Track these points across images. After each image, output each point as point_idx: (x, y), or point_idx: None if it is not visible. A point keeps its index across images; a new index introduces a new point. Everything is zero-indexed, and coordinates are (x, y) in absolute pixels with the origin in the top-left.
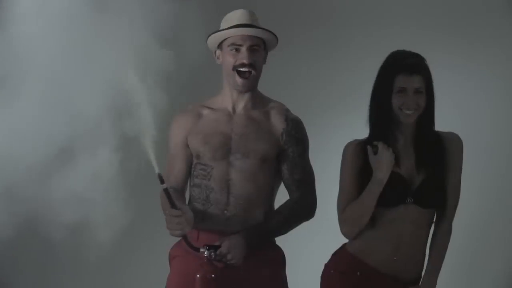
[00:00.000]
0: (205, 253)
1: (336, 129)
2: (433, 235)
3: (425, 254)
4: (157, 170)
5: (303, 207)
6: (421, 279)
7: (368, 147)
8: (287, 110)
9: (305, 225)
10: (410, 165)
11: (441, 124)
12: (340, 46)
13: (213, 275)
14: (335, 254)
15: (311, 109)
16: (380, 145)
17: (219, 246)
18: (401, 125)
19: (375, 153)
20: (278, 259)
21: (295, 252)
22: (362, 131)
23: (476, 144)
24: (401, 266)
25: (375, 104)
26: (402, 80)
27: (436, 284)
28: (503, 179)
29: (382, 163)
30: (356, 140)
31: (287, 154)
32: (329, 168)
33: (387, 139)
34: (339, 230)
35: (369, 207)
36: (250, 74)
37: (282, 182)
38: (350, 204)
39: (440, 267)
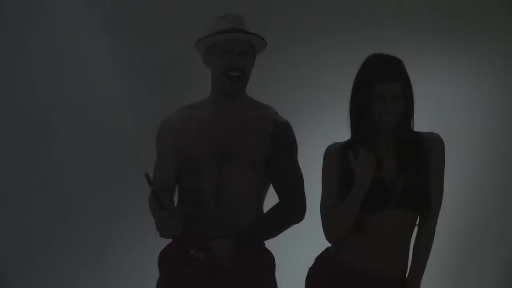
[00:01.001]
0: (195, 255)
1: (324, 132)
2: (416, 237)
3: (408, 256)
4: (145, 171)
5: (292, 210)
6: (406, 282)
7: (349, 151)
8: (276, 113)
9: (291, 228)
10: (391, 169)
11: (424, 125)
12: (328, 49)
13: (201, 275)
14: (318, 258)
15: (299, 112)
16: (361, 150)
17: (209, 249)
18: (380, 128)
19: (356, 157)
20: (268, 263)
21: (281, 255)
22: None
23: (458, 145)
24: (385, 268)
25: (355, 110)
26: (380, 88)
27: (419, 286)
28: (485, 179)
29: (364, 168)
30: (336, 143)
31: (276, 157)
32: (317, 171)
33: (368, 143)
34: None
35: (352, 213)
36: (239, 79)
37: (271, 185)
38: (333, 210)
39: (424, 269)
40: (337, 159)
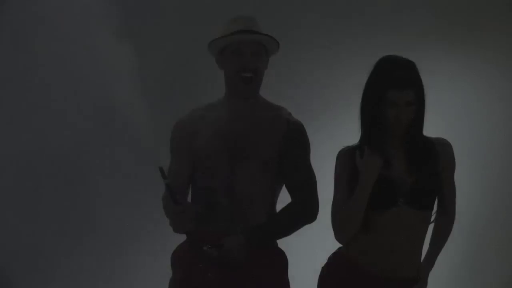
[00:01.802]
0: (208, 251)
1: (337, 133)
2: (434, 226)
3: (421, 255)
4: (159, 165)
5: (305, 210)
6: (423, 264)
7: (357, 151)
8: (289, 114)
9: (305, 227)
10: (401, 169)
11: (432, 128)
12: (339, 51)
13: (214, 277)
14: (330, 258)
15: (311, 112)
16: (367, 149)
17: (221, 245)
18: (391, 130)
19: (362, 156)
20: (281, 262)
21: (294, 255)
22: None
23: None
24: (397, 268)
25: (366, 113)
26: (393, 94)
27: (431, 268)
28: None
29: (367, 166)
30: (347, 146)
31: (288, 157)
32: (330, 171)
33: (377, 144)
34: None
35: (357, 211)
36: (252, 79)
37: (284, 185)
38: (340, 207)
39: (437, 256)
40: (348, 161)
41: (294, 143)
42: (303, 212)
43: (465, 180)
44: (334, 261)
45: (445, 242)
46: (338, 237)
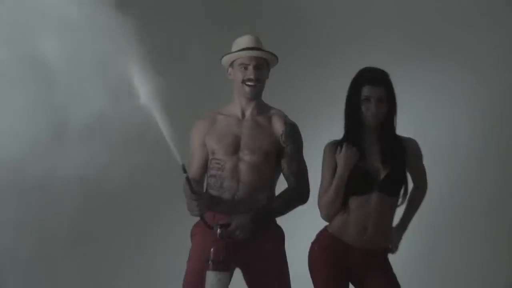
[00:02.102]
0: (218, 230)
1: (324, 132)
2: (410, 196)
3: (390, 232)
4: (181, 162)
5: (298, 194)
6: (394, 228)
7: (338, 147)
8: (286, 116)
9: (297, 209)
10: (376, 161)
11: (405, 129)
12: (326, 64)
13: (224, 248)
14: (318, 234)
15: (303, 115)
16: (344, 145)
17: (229, 224)
18: (368, 128)
19: (340, 151)
20: (279, 236)
21: (290, 230)
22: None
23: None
24: (370, 241)
25: (347, 110)
26: (367, 90)
27: (404, 231)
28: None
29: (343, 160)
30: (333, 140)
31: (285, 151)
32: (318, 163)
33: (356, 140)
34: None
35: (336, 196)
36: (255, 87)
37: (281, 174)
38: (325, 195)
39: (410, 220)
40: (331, 154)
41: (290, 139)
42: (297, 195)
43: (431, 167)
44: (320, 237)
45: (416, 211)
46: (323, 216)
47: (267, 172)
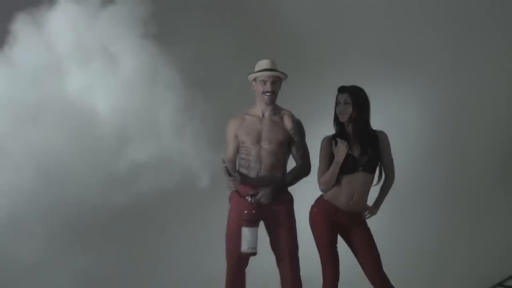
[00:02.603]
0: (248, 199)
1: (319, 126)
2: (382, 184)
3: (367, 200)
4: (222, 157)
5: (304, 169)
6: (371, 205)
7: (333, 141)
8: (293, 115)
9: (300, 182)
10: (358, 151)
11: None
12: (321, 78)
13: (253, 211)
14: (316, 200)
15: (305, 114)
16: (338, 141)
17: (255, 195)
18: (348, 127)
19: (336, 145)
20: (290, 200)
21: (297, 197)
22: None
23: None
24: (354, 206)
25: (334, 112)
26: (338, 96)
27: (378, 209)
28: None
29: (339, 151)
30: (327, 136)
31: (294, 141)
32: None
33: (343, 136)
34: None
35: (333, 175)
36: (271, 96)
37: (291, 156)
38: (323, 173)
39: (382, 201)
40: (328, 146)
41: (297, 132)
42: (303, 171)
43: (398, 156)
44: (318, 202)
45: (387, 193)
46: (321, 189)
47: (281, 156)
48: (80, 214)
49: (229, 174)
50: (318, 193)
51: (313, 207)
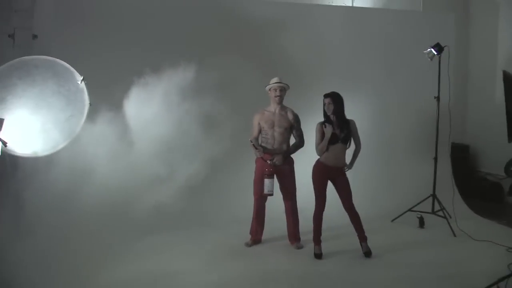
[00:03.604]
0: (269, 162)
1: (309, 117)
2: (354, 150)
3: (345, 159)
4: (250, 139)
5: (300, 143)
6: (348, 164)
7: (323, 125)
8: (293, 111)
9: (299, 151)
10: (338, 131)
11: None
12: (311, 87)
13: (271, 169)
14: (316, 161)
15: (301, 110)
16: (327, 125)
17: (273, 159)
18: (332, 117)
19: (325, 127)
20: (292, 161)
21: (297, 160)
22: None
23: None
24: (337, 163)
25: (323, 109)
26: (324, 99)
27: (352, 166)
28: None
29: (327, 131)
30: (320, 121)
31: (294, 126)
32: (308, 130)
33: (329, 122)
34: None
35: (324, 145)
36: (279, 100)
37: (292, 136)
38: (318, 145)
39: (355, 159)
40: (320, 128)
41: (296, 121)
42: (300, 144)
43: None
44: (317, 162)
45: (357, 156)
46: (318, 154)
47: (286, 136)
48: None
49: (255, 147)
50: (308, 159)
51: (314, 165)
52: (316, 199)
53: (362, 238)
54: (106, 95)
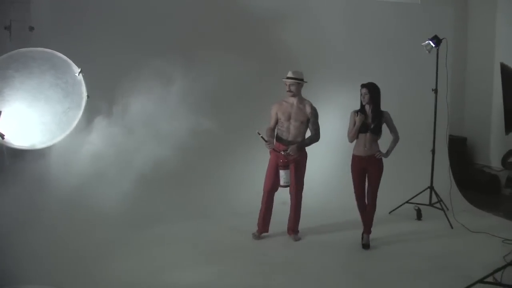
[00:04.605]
0: (283, 153)
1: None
2: (392, 141)
3: (377, 148)
4: (257, 131)
5: (316, 137)
6: (385, 151)
7: (356, 113)
8: (311, 103)
9: (314, 146)
10: (369, 119)
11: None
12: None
13: (286, 160)
14: (353, 155)
15: (324, 103)
16: (359, 113)
17: (287, 150)
18: (366, 107)
19: (357, 116)
20: (305, 155)
21: (310, 153)
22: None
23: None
24: (367, 152)
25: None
26: (361, 89)
27: (389, 155)
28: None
29: (358, 120)
30: (355, 110)
31: (311, 120)
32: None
33: (363, 111)
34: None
35: (355, 134)
36: (293, 94)
37: (308, 129)
38: (349, 133)
39: (392, 149)
40: (353, 116)
41: (313, 115)
42: (315, 138)
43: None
44: (352, 155)
45: (394, 146)
46: (349, 140)
47: (302, 129)
48: None
49: (265, 140)
50: (322, 152)
51: (352, 159)
52: (354, 191)
53: (367, 230)
54: (104, 87)
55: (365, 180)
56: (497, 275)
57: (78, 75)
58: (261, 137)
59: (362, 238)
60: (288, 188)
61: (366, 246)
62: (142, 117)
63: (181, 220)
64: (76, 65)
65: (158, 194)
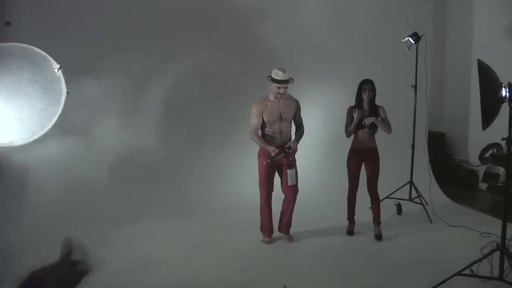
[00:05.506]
0: (272, 153)
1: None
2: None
3: (375, 141)
4: (273, 151)
5: (301, 132)
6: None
7: (353, 109)
8: (296, 99)
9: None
10: (367, 115)
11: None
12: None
13: (290, 158)
14: (351, 146)
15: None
16: (357, 110)
17: (281, 152)
18: (365, 103)
19: (355, 112)
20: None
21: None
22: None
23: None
24: (365, 145)
25: (357, 94)
26: (364, 87)
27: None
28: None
29: (356, 116)
30: (350, 105)
31: (296, 116)
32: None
33: (360, 107)
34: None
35: (353, 129)
36: (282, 96)
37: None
38: (347, 128)
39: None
40: (351, 111)
41: (298, 108)
42: (301, 132)
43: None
44: (350, 147)
45: (387, 128)
46: (346, 136)
47: (290, 126)
48: None
49: (263, 143)
50: (310, 148)
51: (349, 150)
52: (348, 181)
53: (377, 222)
54: (83, 83)
55: (360, 172)
56: (474, 267)
57: (58, 71)
58: (276, 153)
59: (374, 230)
60: (281, 187)
61: (378, 237)
62: (121, 111)
63: (163, 217)
64: (55, 60)
65: (138, 191)
